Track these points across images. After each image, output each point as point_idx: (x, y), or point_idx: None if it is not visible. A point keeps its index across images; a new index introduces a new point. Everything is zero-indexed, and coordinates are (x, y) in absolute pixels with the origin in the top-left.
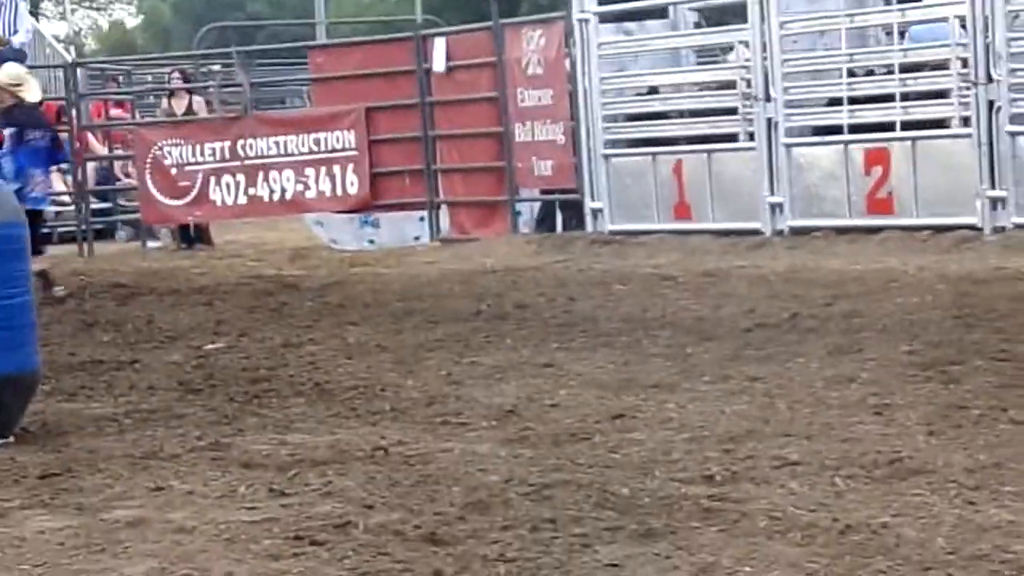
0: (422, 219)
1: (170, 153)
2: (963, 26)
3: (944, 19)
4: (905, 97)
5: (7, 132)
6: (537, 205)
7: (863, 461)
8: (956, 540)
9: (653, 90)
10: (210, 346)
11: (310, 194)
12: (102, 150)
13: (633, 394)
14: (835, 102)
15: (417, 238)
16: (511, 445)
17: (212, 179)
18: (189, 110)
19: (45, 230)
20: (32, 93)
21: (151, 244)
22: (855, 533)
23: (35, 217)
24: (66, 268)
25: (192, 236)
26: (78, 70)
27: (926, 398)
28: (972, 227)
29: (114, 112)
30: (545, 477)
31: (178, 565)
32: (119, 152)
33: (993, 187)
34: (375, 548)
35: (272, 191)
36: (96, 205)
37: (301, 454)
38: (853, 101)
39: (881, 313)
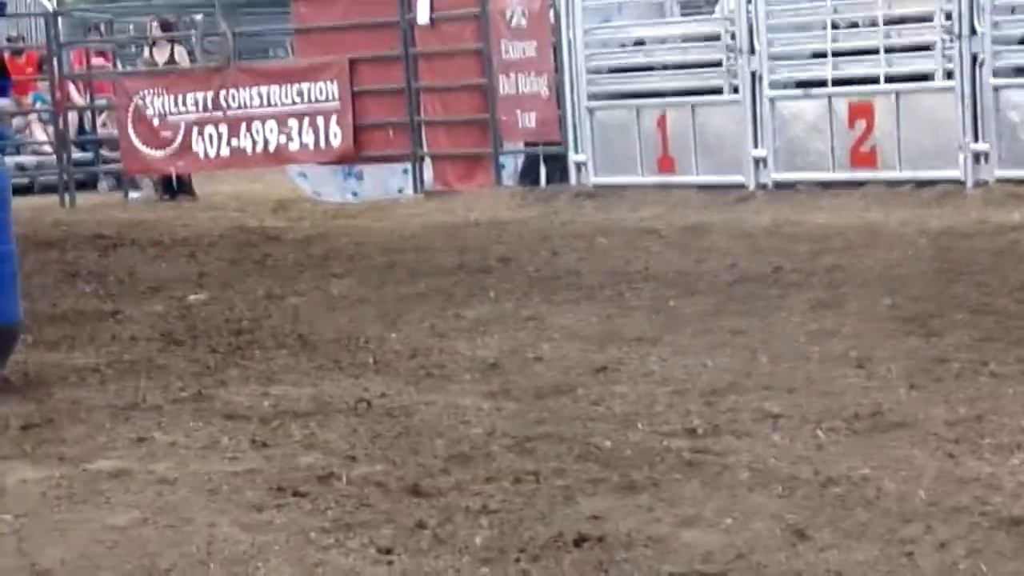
0: (405, 171)
1: (152, 103)
2: None
3: None
4: (889, 50)
5: None
6: (521, 158)
7: (844, 414)
8: (936, 492)
9: (638, 42)
10: (193, 297)
11: (293, 146)
12: (82, 100)
13: (616, 347)
14: (819, 55)
15: (400, 191)
16: (494, 398)
17: (194, 130)
18: (171, 60)
19: (25, 181)
20: None
21: (133, 195)
22: (836, 485)
23: None
24: (48, 219)
25: (175, 187)
26: (59, 19)
27: (907, 352)
28: (955, 181)
29: (95, 61)
30: (528, 430)
31: (160, 516)
32: (101, 102)
33: (976, 141)
34: (357, 500)
35: (255, 142)
36: (78, 155)
37: (284, 406)
38: (837, 54)
39: (863, 267)
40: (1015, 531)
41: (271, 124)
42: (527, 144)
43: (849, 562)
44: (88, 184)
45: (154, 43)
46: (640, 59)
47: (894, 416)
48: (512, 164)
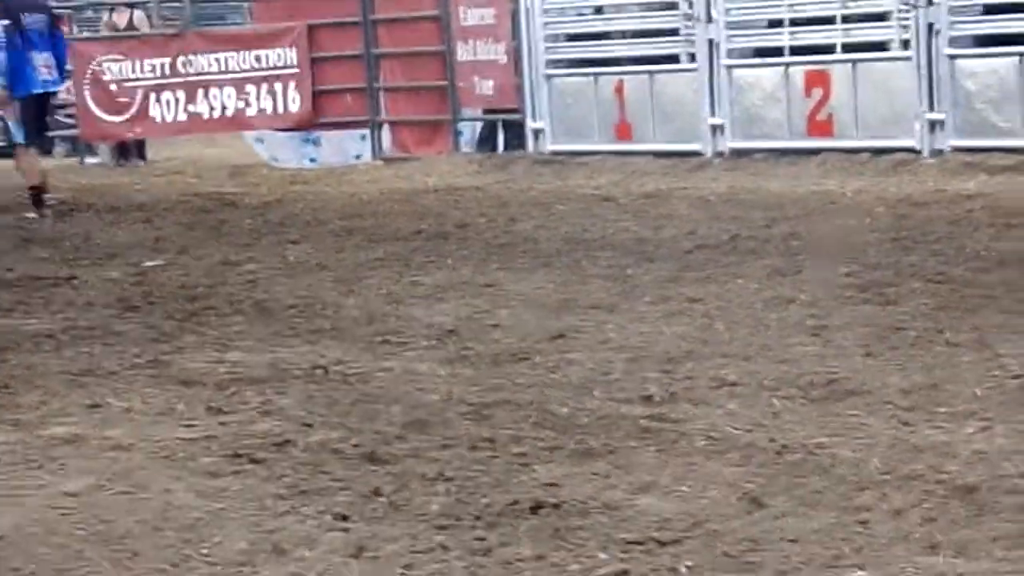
0: (363, 137)
1: (109, 69)
2: None
3: None
4: (846, 19)
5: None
6: (479, 124)
7: (800, 382)
8: (891, 460)
9: (596, 10)
10: (149, 263)
11: (251, 111)
12: None
13: (573, 314)
14: (776, 24)
15: (358, 156)
16: (451, 364)
17: (152, 95)
18: (130, 25)
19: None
20: None
21: (89, 160)
22: (791, 453)
23: (46, 100)
24: (3, 183)
25: (129, 150)
26: None
27: (863, 320)
28: (911, 150)
29: None
30: (484, 396)
31: (115, 482)
32: None
33: (932, 110)
34: (314, 466)
35: (213, 108)
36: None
37: (240, 372)
38: (794, 23)
39: (820, 235)
40: (969, 499)
41: (229, 90)
42: (485, 111)
43: (804, 530)
44: (44, 149)
45: (113, 8)
46: (598, 26)
47: (850, 384)
48: (470, 131)
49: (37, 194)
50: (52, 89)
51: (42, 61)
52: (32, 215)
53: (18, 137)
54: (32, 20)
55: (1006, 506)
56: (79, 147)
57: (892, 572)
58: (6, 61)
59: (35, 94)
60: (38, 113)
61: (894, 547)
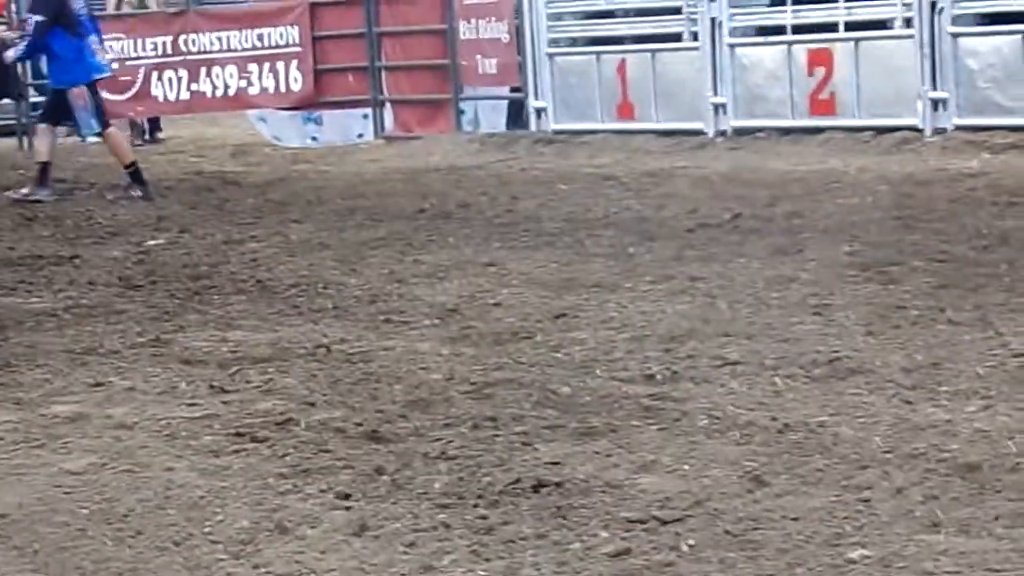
0: (365, 116)
1: (111, 47)
2: None
3: None
4: None
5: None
6: (500, 104)
7: (802, 361)
8: (893, 439)
9: None
10: (151, 242)
11: (253, 90)
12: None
13: (575, 294)
14: (778, 2)
15: (360, 135)
16: (453, 343)
17: (154, 74)
18: (142, 3)
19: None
20: None
21: (91, 139)
22: (793, 432)
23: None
24: (5, 163)
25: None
26: None
27: (865, 299)
28: (913, 128)
29: None
30: (487, 376)
31: (118, 461)
32: None
33: (934, 88)
34: (316, 445)
35: (215, 87)
36: (35, 99)
37: (242, 351)
38: (796, 1)
39: (822, 214)
40: (971, 477)
41: (231, 68)
42: (513, 89)
43: (806, 508)
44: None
45: None
46: (600, 5)
47: (852, 363)
48: (472, 110)
49: (135, 171)
50: (103, 74)
51: (95, 44)
52: (136, 192)
53: (95, 127)
54: (78, 6)
55: (1007, 484)
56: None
57: (894, 550)
58: (66, 51)
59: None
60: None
61: (896, 525)
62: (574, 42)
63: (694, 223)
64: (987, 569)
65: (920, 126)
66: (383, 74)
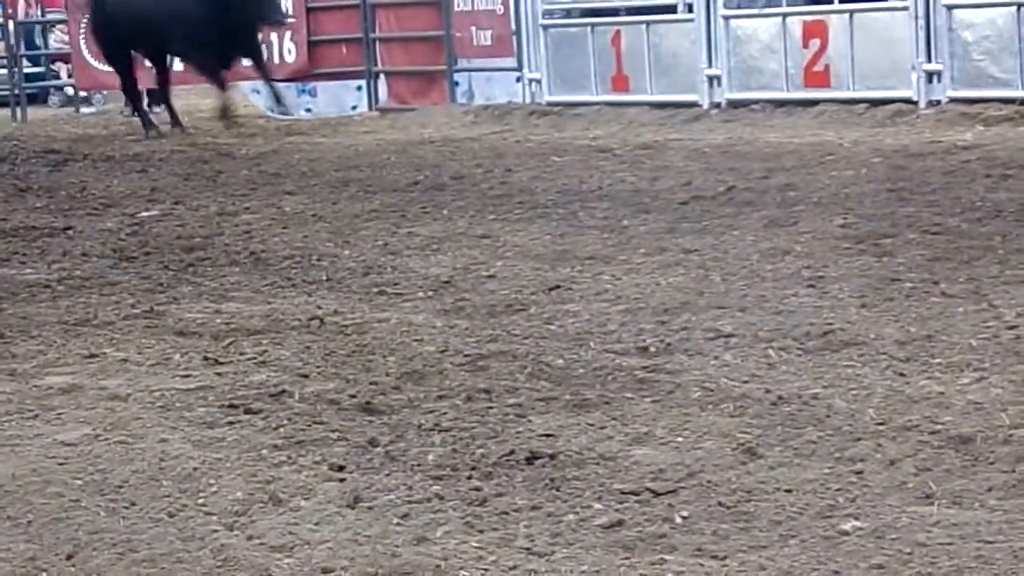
0: (360, 88)
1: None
2: None
3: None
4: None
5: None
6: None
7: (796, 333)
8: (886, 411)
9: None
10: (144, 214)
11: (247, 61)
12: (34, 13)
13: (569, 266)
14: None
15: (355, 107)
16: (447, 315)
17: None
18: None
19: None
20: None
21: (85, 110)
22: (787, 404)
23: None
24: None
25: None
26: None
27: (859, 271)
28: (907, 100)
29: None
30: (480, 347)
31: (112, 432)
32: (53, 16)
33: (929, 60)
34: (310, 417)
35: None
36: (29, 69)
37: (236, 323)
38: None
39: (816, 186)
40: (964, 449)
41: None
42: None
43: (799, 480)
44: (39, 98)
45: None
46: None
47: (845, 335)
48: (466, 81)
49: None
50: None
51: None
52: None
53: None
54: None
55: (1000, 456)
56: (74, 97)
57: (886, 522)
58: None
59: None
60: None
61: (889, 497)
62: (568, 13)
63: (688, 195)
64: (979, 540)
65: (915, 98)
66: (377, 46)
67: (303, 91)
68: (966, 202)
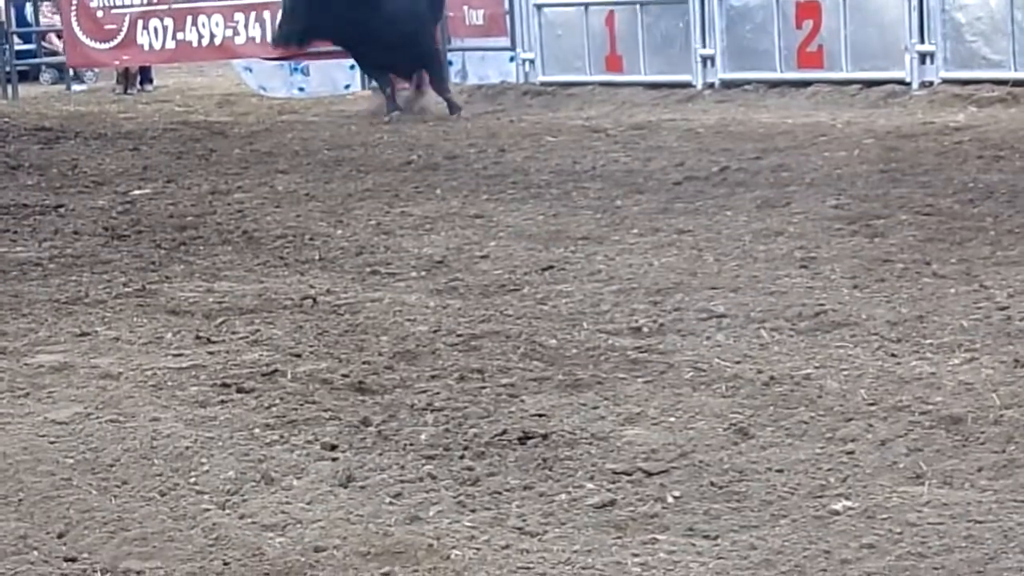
0: (352, 67)
1: None
2: None
3: None
4: None
5: None
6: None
7: (788, 314)
8: (877, 391)
9: None
10: (137, 192)
11: (239, 40)
12: None
13: (562, 246)
14: None
15: (347, 86)
16: (440, 295)
17: (139, 23)
18: None
19: None
20: None
21: (76, 87)
22: (779, 384)
23: None
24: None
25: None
26: None
27: (851, 251)
28: (900, 81)
29: None
30: (473, 328)
31: (103, 410)
32: None
33: (922, 41)
34: (302, 396)
35: (201, 36)
36: (20, 47)
37: (228, 302)
38: None
39: (809, 167)
40: (954, 429)
41: (217, 18)
42: None
43: (790, 460)
44: (30, 76)
45: None
46: None
47: (837, 316)
48: (460, 61)
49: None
50: None
51: None
52: None
53: None
54: None
55: (991, 436)
56: (65, 74)
57: (877, 502)
58: None
59: None
60: None
61: (879, 477)
62: None
63: (681, 176)
64: (970, 520)
65: (907, 79)
66: None
67: (295, 70)
68: (958, 183)
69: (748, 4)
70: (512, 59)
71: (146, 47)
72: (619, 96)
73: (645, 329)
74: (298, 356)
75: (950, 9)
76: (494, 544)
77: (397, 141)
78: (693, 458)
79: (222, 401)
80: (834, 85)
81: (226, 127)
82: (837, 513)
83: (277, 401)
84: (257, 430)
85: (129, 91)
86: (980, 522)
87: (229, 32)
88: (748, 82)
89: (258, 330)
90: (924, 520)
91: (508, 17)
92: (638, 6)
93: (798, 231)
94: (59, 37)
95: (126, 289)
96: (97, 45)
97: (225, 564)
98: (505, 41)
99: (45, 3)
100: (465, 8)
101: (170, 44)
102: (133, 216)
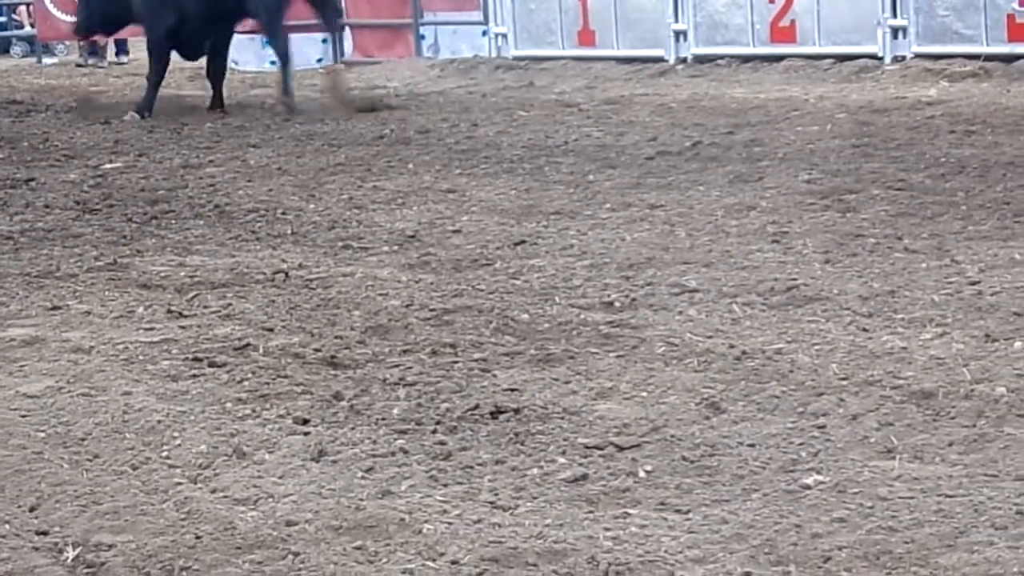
0: (325, 41)
1: None
2: None
3: None
4: None
5: None
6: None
7: (760, 288)
8: (849, 366)
9: None
10: (108, 165)
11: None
12: None
13: (535, 220)
14: None
15: (320, 60)
16: (412, 270)
17: None
18: None
19: None
20: None
21: (47, 60)
22: (750, 359)
23: None
24: None
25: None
26: None
27: (823, 226)
28: (873, 56)
29: None
30: (446, 302)
31: (75, 384)
32: None
33: (894, 16)
34: (274, 370)
35: None
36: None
37: (200, 276)
38: None
39: (781, 142)
40: (925, 404)
41: None
42: None
43: (762, 435)
44: (0, 49)
45: None
46: None
47: (809, 290)
48: (432, 35)
49: None
50: None
51: None
52: None
53: None
54: None
55: (962, 411)
56: (36, 47)
57: (849, 476)
58: None
59: None
60: None
61: (851, 451)
62: None
63: (654, 151)
64: (940, 495)
65: (880, 54)
66: None
67: (268, 43)
68: (930, 158)
69: None
70: (484, 33)
71: None
72: (592, 71)
73: (617, 304)
74: (270, 330)
75: None
76: (466, 518)
77: (369, 115)
78: (665, 432)
79: (194, 375)
80: (807, 60)
81: (198, 101)
82: (808, 487)
83: (249, 375)
84: (229, 404)
85: (100, 64)
86: (951, 496)
87: None
88: (721, 57)
89: (230, 304)
90: (895, 494)
91: None
92: None
93: (770, 206)
94: (29, 10)
95: (97, 263)
96: (68, 18)
97: (197, 538)
98: (478, 15)
99: None
100: None
101: None
102: (104, 190)
